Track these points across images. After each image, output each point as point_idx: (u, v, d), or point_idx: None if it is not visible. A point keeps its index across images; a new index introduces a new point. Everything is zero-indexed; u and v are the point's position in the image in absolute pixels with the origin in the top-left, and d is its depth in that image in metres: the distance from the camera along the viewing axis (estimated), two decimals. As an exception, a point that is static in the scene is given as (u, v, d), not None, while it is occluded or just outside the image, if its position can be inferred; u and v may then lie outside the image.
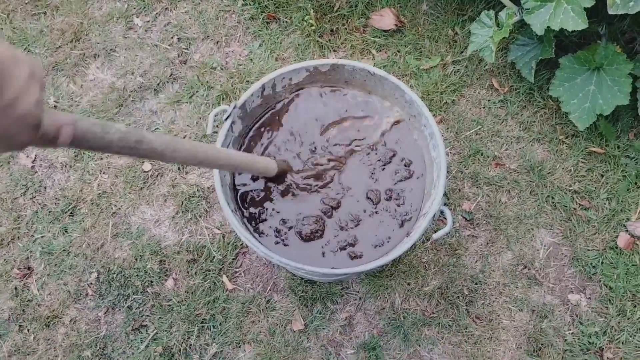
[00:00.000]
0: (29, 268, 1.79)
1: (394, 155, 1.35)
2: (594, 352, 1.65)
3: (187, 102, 1.96)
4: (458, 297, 1.71)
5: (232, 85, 1.96)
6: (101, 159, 1.89)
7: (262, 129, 1.40)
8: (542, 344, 1.66)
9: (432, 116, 1.26)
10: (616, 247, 1.74)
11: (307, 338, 1.68)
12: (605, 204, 1.80)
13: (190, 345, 1.67)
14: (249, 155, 1.20)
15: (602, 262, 1.74)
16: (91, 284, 1.75)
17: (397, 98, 1.35)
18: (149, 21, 2.10)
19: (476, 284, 1.73)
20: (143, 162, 1.87)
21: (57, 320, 1.72)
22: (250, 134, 1.39)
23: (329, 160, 1.34)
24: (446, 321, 1.69)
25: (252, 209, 1.31)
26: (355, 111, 1.41)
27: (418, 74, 1.98)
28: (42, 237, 1.81)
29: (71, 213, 1.83)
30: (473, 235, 1.78)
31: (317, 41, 2.03)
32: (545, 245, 1.77)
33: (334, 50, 2.04)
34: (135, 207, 1.82)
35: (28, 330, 1.72)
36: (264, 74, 1.96)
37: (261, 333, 1.68)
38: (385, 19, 2.05)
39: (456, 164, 1.86)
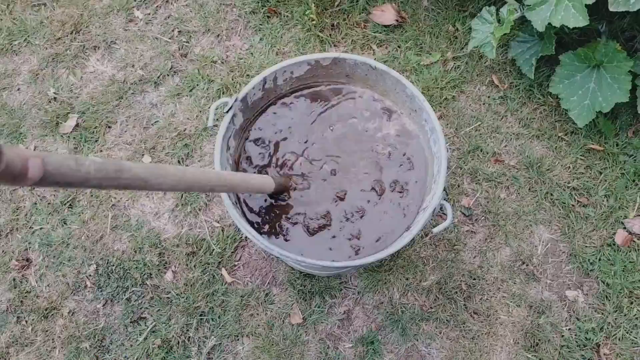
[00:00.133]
0: (27, 259, 1.78)
1: (395, 149, 1.36)
2: (590, 348, 1.66)
3: (187, 96, 1.96)
4: (456, 292, 1.72)
5: (232, 79, 1.96)
6: (101, 150, 1.89)
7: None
8: (539, 340, 1.67)
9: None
10: (614, 244, 1.75)
11: (306, 332, 1.68)
12: (603, 201, 1.80)
13: (189, 337, 1.68)
14: (242, 174, 1.14)
15: (599, 259, 1.74)
16: (90, 275, 1.75)
17: (398, 93, 1.35)
18: (149, 14, 2.09)
19: (474, 279, 1.74)
20: (143, 154, 1.87)
21: (55, 312, 1.72)
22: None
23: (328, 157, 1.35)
24: (444, 316, 1.70)
25: (252, 206, 1.32)
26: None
27: (418, 69, 1.98)
28: (40, 228, 1.80)
29: (70, 205, 1.83)
30: (472, 231, 1.79)
31: (318, 36, 2.03)
32: (543, 242, 1.78)
33: (334, 45, 2.04)
34: (135, 199, 1.82)
35: (26, 321, 1.72)
36: (264, 68, 1.96)
37: (260, 326, 1.69)
38: (386, 14, 2.05)
39: (455, 159, 1.87)
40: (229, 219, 1.79)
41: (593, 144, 1.87)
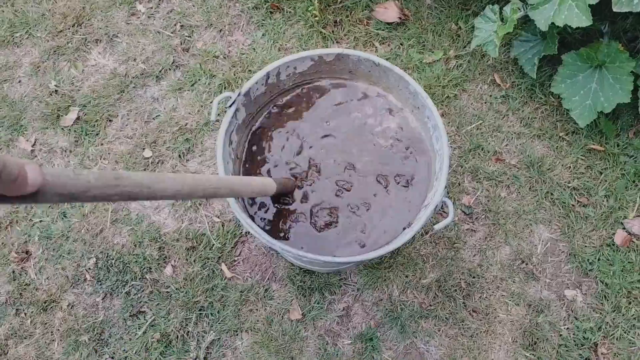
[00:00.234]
0: (27, 252, 1.78)
1: (399, 140, 1.37)
2: (588, 347, 1.66)
3: (189, 90, 1.95)
4: (455, 290, 1.72)
5: (234, 74, 1.96)
6: (101, 144, 1.89)
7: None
8: (537, 338, 1.67)
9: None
10: (613, 244, 1.76)
11: (305, 327, 1.68)
12: (603, 201, 1.81)
13: (188, 332, 1.68)
14: (243, 178, 1.13)
15: (598, 259, 1.75)
16: (89, 269, 1.75)
17: (401, 90, 1.35)
18: (151, 7, 2.09)
19: (474, 277, 1.74)
20: (144, 148, 1.87)
21: (54, 305, 1.72)
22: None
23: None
24: (443, 314, 1.70)
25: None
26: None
27: (420, 67, 1.98)
28: (40, 221, 1.80)
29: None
30: (472, 229, 1.79)
31: (321, 32, 2.03)
32: (543, 241, 1.78)
33: (337, 42, 2.04)
34: (135, 193, 1.82)
35: (25, 314, 1.72)
36: (266, 63, 1.96)
37: (259, 322, 1.69)
38: (389, 11, 2.05)
39: (456, 158, 1.87)
40: (229, 214, 1.79)
41: (594, 144, 1.87)
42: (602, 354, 1.65)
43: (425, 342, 1.68)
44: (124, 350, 1.66)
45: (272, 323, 1.68)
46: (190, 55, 2.01)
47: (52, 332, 1.69)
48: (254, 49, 2.02)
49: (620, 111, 1.88)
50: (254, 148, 1.39)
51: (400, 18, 2.04)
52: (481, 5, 2.04)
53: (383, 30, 2.04)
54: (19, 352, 1.67)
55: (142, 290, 1.72)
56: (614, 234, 1.77)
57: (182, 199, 0.82)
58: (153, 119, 1.92)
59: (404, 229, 1.29)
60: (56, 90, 1.96)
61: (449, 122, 1.92)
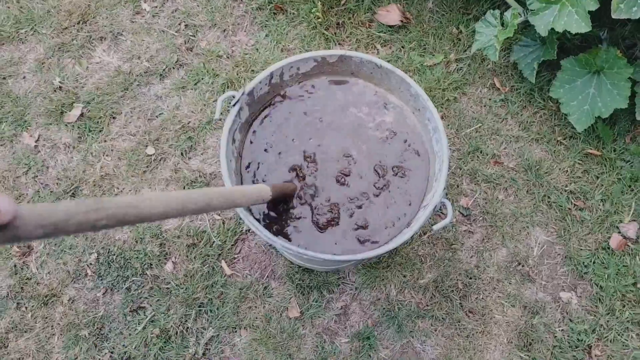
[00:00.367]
0: (28, 247, 1.80)
1: (395, 134, 1.39)
2: (582, 349, 1.68)
3: (192, 89, 1.97)
4: (452, 291, 1.75)
5: (237, 74, 1.98)
6: (104, 141, 1.90)
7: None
8: (532, 340, 1.70)
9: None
10: (608, 248, 1.78)
11: (303, 325, 1.70)
12: (599, 205, 1.83)
13: (187, 328, 1.70)
14: (235, 187, 1.05)
15: (594, 262, 1.77)
16: (91, 264, 1.77)
17: (403, 91, 1.37)
18: (156, 7, 2.11)
19: (471, 278, 1.76)
20: (147, 145, 1.88)
21: (55, 299, 1.74)
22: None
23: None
24: (440, 314, 1.72)
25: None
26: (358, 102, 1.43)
27: (421, 70, 2.01)
28: (43, 216, 1.81)
29: (73, 194, 1.84)
30: (469, 231, 1.82)
31: (323, 34, 2.05)
32: (539, 244, 1.81)
33: (339, 44, 2.06)
34: (137, 190, 1.84)
35: (26, 307, 1.73)
36: (269, 64, 1.98)
37: (257, 319, 1.71)
38: (391, 14, 2.07)
39: (455, 160, 1.89)
40: (229, 212, 1.81)
41: (591, 149, 1.90)
42: (596, 355, 1.68)
43: (422, 341, 1.70)
44: (124, 345, 1.68)
45: (270, 320, 1.70)
46: (194, 54, 2.03)
47: (52, 326, 1.71)
48: (257, 49, 2.04)
49: (618, 116, 1.91)
50: (253, 146, 1.41)
51: (402, 21, 2.06)
52: (482, 10, 2.06)
53: (385, 32, 2.07)
54: (19, 346, 1.69)
55: (143, 286, 1.74)
56: (609, 237, 1.79)
57: (174, 217, 0.80)
58: (156, 116, 1.94)
59: (405, 228, 1.31)
60: (60, 87, 1.98)
61: (448, 125, 1.94)
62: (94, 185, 1.84)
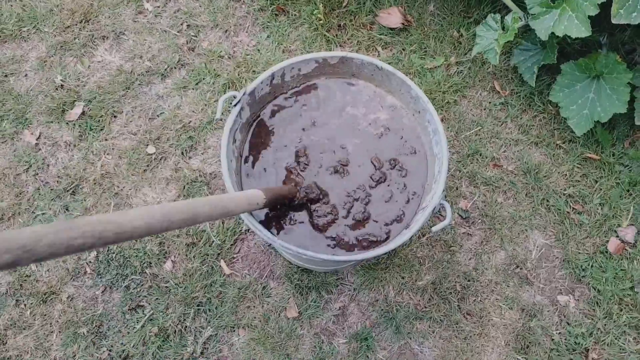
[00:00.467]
0: (28, 244, 1.80)
1: (387, 129, 1.40)
2: (579, 352, 1.69)
3: (193, 89, 1.98)
4: (451, 292, 1.75)
5: (238, 74, 1.98)
6: (105, 139, 1.91)
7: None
8: (529, 342, 1.70)
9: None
10: (606, 252, 1.79)
11: (301, 325, 1.71)
12: (597, 209, 1.84)
13: (186, 327, 1.70)
14: (222, 196, 0.98)
15: (591, 266, 1.78)
16: (90, 262, 1.77)
17: (403, 93, 1.38)
18: (159, 6, 2.12)
19: (469, 281, 1.77)
20: (147, 144, 1.89)
21: (54, 297, 1.74)
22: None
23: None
24: (438, 316, 1.73)
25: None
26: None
27: (422, 72, 2.02)
28: (43, 213, 1.82)
29: (73, 192, 1.85)
30: (468, 233, 1.82)
31: (324, 35, 2.06)
32: (537, 247, 1.81)
33: (340, 45, 2.07)
34: (138, 189, 1.84)
35: (25, 305, 1.74)
36: (270, 64, 1.99)
37: (256, 318, 1.71)
38: (392, 17, 2.08)
39: (455, 162, 1.90)
40: (229, 211, 1.81)
41: (590, 153, 1.90)
42: (593, 359, 1.68)
43: (420, 343, 1.70)
44: (122, 343, 1.68)
45: (269, 320, 1.70)
46: (195, 54, 2.04)
47: (51, 323, 1.71)
48: (258, 50, 2.05)
49: (617, 121, 1.92)
50: (252, 145, 1.41)
51: (403, 24, 2.07)
52: (483, 13, 2.07)
53: (386, 35, 2.08)
54: (17, 343, 1.69)
55: (142, 285, 1.74)
56: (607, 241, 1.80)
57: (159, 231, 0.75)
58: (157, 116, 1.94)
59: (405, 226, 1.32)
60: (62, 85, 1.99)
61: (448, 127, 1.95)
62: (95, 183, 1.85)
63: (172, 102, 1.96)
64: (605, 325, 1.72)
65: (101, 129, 1.92)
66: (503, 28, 1.78)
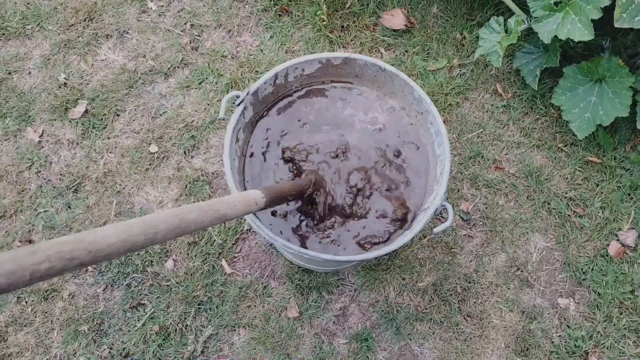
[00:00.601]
0: (30, 241, 1.81)
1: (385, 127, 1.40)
2: (579, 355, 1.69)
3: (196, 88, 1.99)
4: (451, 294, 1.75)
5: (241, 74, 1.99)
6: (108, 138, 1.91)
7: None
8: (529, 345, 1.70)
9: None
10: (607, 255, 1.79)
11: (301, 325, 1.71)
12: (599, 212, 1.84)
13: (187, 325, 1.70)
14: (216, 200, 0.90)
15: (592, 269, 1.78)
16: (91, 260, 1.77)
17: (406, 95, 1.38)
18: (162, 6, 2.12)
19: (469, 282, 1.77)
20: (150, 143, 1.90)
21: (55, 294, 1.74)
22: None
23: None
24: (438, 317, 1.73)
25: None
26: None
27: (424, 74, 2.02)
28: (45, 211, 1.83)
29: (75, 189, 1.85)
30: (469, 235, 1.82)
31: (328, 36, 2.06)
32: (538, 249, 1.82)
33: (343, 47, 2.08)
34: (140, 187, 1.85)
35: (26, 302, 1.74)
36: (273, 65, 1.99)
37: (256, 318, 1.71)
38: (395, 18, 2.09)
39: (457, 164, 1.90)
40: (231, 211, 1.82)
41: (591, 157, 1.91)
42: (592, 362, 1.68)
43: (420, 344, 1.70)
44: (123, 341, 1.68)
45: (269, 320, 1.71)
46: (198, 54, 2.05)
47: (52, 321, 1.72)
48: (261, 50, 2.05)
49: (619, 125, 1.92)
50: (254, 145, 1.42)
51: (406, 25, 2.08)
52: (486, 16, 2.08)
53: (389, 36, 2.08)
54: (18, 340, 1.69)
55: (143, 283, 1.75)
56: (608, 245, 1.80)
57: (141, 246, 0.68)
58: (160, 115, 1.95)
59: (405, 231, 1.32)
60: (65, 83, 1.99)
61: (450, 129, 1.95)
62: (97, 181, 1.85)
63: (175, 101, 1.97)
64: (605, 328, 1.72)
65: (104, 128, 1.93)
66: (506, 31, 1.79)
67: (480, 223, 1.84)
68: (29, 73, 2.02)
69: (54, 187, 1.85)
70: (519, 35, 1.72)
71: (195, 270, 1.75)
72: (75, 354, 1.67)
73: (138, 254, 1.76)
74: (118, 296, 1.74)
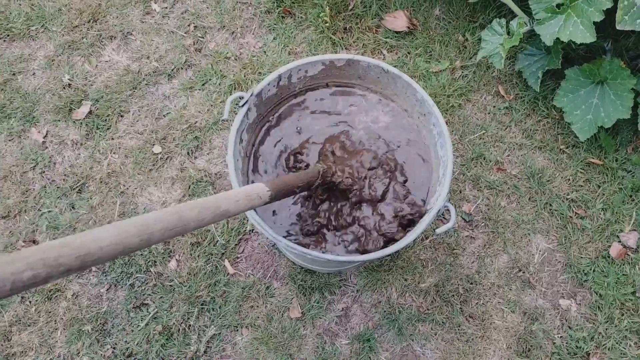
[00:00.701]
0: (34, 241, 1.82)
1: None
2: (580, 356, 1.70)
3: (199, 90, 2.00)
4: (453, 295, 1.76)
5: (244, 76, 2.00)
6: (112, 139, 1.92)
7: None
8: (531, 346, 1.71)
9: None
10: (608, 256, 1.80)
11: (304, 326, 1.72)
12: (600, 214, 1.85)
13: (190, 325, 1.71)
14: (216, 196, 0.86)
15: (594, 270, 1.79)
16: (95, 260, 1.78)
17: (409, 96, 1.39)
18: (166, 7, 2.13)
19: (471, 283, 1.78)
20: (154, 144, 1.91)
21: (59, 294, 1.75)
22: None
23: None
24: (440, 318, 1.73)
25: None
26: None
27: (427, 76, 2.03)
28: (49, 211, 1.84)
29: (79, 190, 1.86)
30: (471, 237, 1.83)
31: (330, 38, 2.07)
32: (540, 251, 1.82)
33: (345, 48, 2.09)
34: (143, 188, 1.86)
35: (30, 302, 1.75)
36: (276, 66, 2.00)
37: (259, 318, 1.72)
38: (398, 20, 2.09)
39: (459, 166, 1.91)
40: (234, 212, 1.83)
41: (593, 158, 1.91)
42: (594, 363, 1.69)
43: (422, 345, 1.71)
44: (126, 341, 1.69)
45: (272, 320, 1.71)
46: (202, 55, 2.06)
47: (55, 320, 1.72)
48: (264, 51, 2.06)
49: (620, 127, 1.93)
50: (258, 144, 1.43)
51: (408, 27, 2.09)
52: (488, 18, 2.09)
53: (391, 38, 2.09)
54: (22, 339, 1.70)
55: (146, 283, 1.76)
56: (609, 246, 1.81)
57: (137, 248, 0.65)
58: (164, 116, 1.96)
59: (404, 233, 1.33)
60: (69, 84, 2.00)
61: (452, 131, 1.96)
62: (101, 182, 1.86)
63: (178, 103, 1.98)
64: (606, 329, 1.72)
65: (108, 128, 1.94)
66: (508, 33, 1.79)
67: (483, 224, 1.84)
68: (34, 74, 2.04)
69: (57, 187, 1.86)
70: (521, 37, 1.73)
71: (199, 271, 1.76)
72: (78, 353, 1.68)
73: (141, 254, 1.77)
74: (121, 296, 1.75)
